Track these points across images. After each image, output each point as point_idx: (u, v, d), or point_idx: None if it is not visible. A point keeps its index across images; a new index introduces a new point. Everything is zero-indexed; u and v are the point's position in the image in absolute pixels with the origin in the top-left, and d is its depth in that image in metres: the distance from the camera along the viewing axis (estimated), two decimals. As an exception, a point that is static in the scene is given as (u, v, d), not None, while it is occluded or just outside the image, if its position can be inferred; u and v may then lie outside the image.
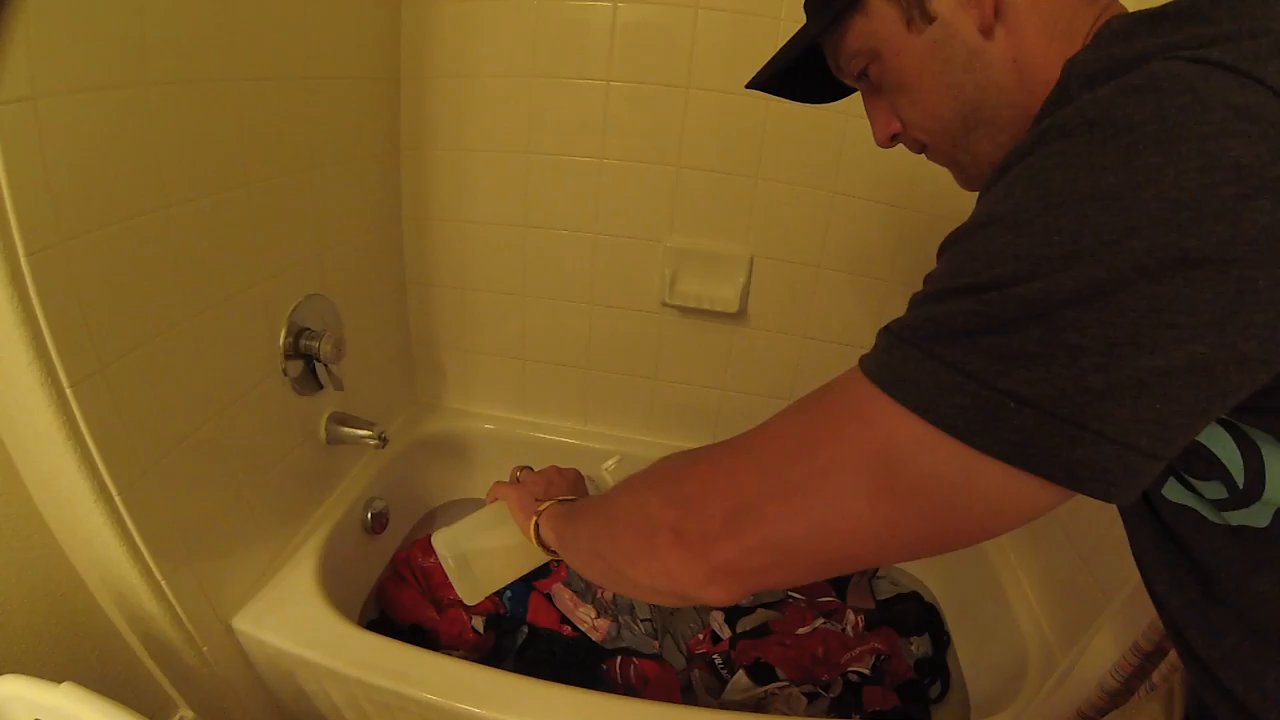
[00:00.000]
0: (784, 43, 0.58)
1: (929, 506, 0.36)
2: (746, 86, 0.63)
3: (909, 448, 0.35)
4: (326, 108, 1.09)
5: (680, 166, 1.29)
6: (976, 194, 0.56)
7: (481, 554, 0.73)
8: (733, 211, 1.31)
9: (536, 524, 0.69)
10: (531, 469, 0.79)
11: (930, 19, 0.49)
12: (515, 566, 0.74)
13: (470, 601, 0.74)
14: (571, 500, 0.70)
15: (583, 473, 0.81)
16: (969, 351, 0.33)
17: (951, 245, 0.38)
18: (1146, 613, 0.75)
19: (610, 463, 0.83)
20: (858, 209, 1.27)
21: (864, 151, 1.20)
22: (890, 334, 0.37)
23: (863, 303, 1.35)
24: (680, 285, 1.36)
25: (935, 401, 0.34)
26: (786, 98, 0.66)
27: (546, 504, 0.69)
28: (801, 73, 0.60)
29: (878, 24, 0.51)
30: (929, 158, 0.58)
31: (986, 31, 0.47)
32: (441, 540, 0.73)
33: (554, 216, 1.37)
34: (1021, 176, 0.35)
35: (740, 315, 1.38)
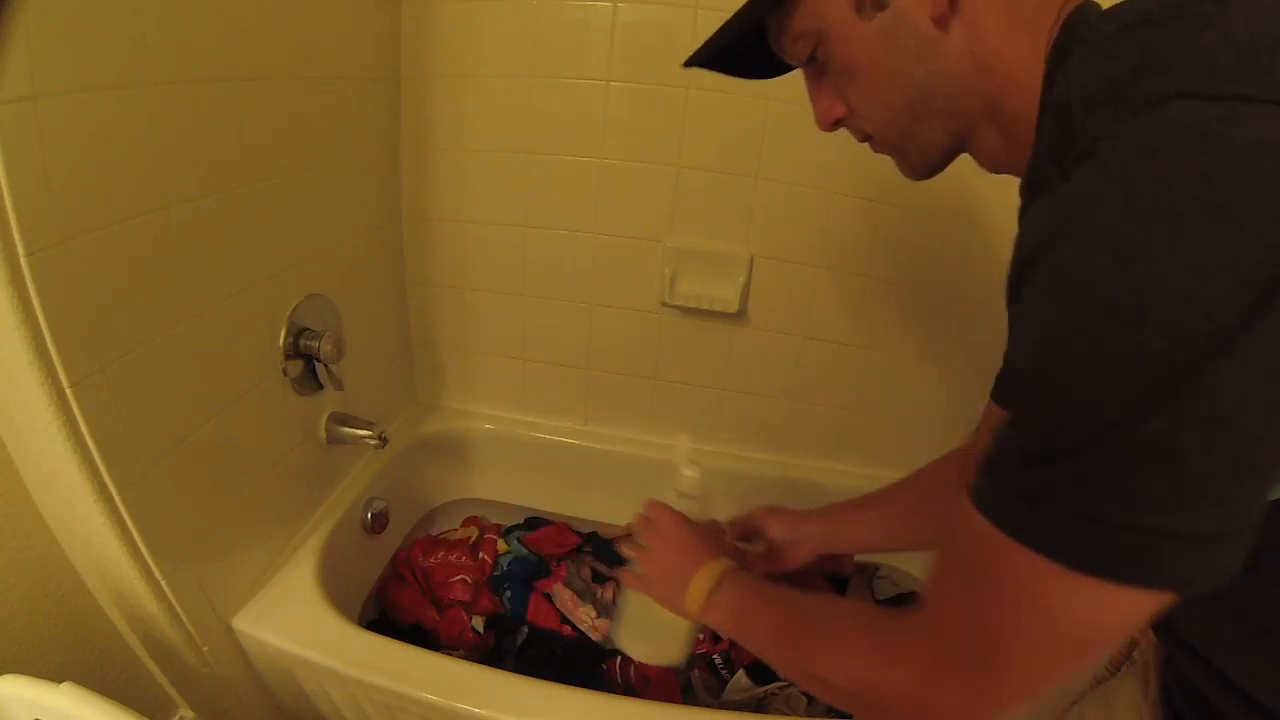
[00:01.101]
0: (726, 21, 0.56)
1: (1114, 637, 0.38)
2: (685, 65, 0.60)
3: (1084, 605, 0.36)
4: (326, 108, 1.09)
5: (680, 166, 1.29)
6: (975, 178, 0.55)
7: (659, 634, 0.75)
8: (733, 211, 1.31)
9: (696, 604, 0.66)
10: (640, 546, 0.73)
11: (882, 5, 0.47)
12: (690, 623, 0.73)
13: (677, 662, 0.76)
14: (722, 583, 0.65)
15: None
16: (1112, 502, 0.34)
17: (1029, 378, 0.37)
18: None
19: (683, 449, 0.78)
20: (858, 209, 1.27)
21: (864, 151, 1.19)
22: (1024, 497, 0.37)
23: (863, 303, 1.35)
24: (680, 285, 1.36)
25: (1094, 556, 0.35)
26: (724, 73, 0.63)
27: (697, 594, 0.65)
28: (740, 48, 0.58)
29: (827, 6, 0.50)
30: (873, 148, 0.57)
31: (940, 22, 0.46)
32: (624, 643, 0.77)
33: (554, 216, 1.37)
34: (1073, 279, 0.34)
35: (740, 315, 1.38)
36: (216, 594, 0.96)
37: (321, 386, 1.14)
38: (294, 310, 1.06)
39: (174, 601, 0.87)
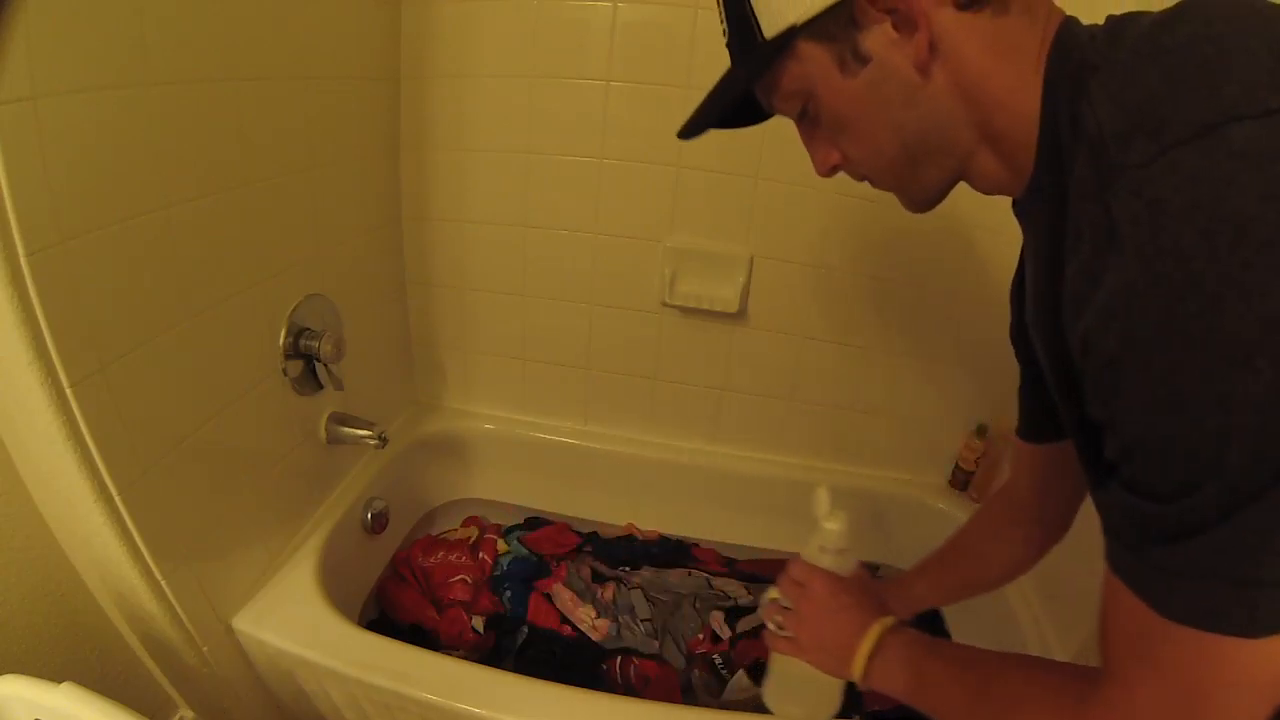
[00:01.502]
0: (713, 87, 0.57)
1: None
2: (681, 137, 0.60)
3: (1253, 665, 0.37)
4: (326, 108, 1.09)
5: (680, 166, 1.29)
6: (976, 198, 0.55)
7: (812, 695, 0.73)
8: (733, 211, 1.31)
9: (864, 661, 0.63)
10: (787, 607, 0.70)
11: (864, 60, 0.48)
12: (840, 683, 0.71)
13: (830, 716, 0.74)
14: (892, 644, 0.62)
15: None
16: (1273, 560, 0.34)
17: (1154, 444, 0.37)
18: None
19: (824, 503, 0.71)
20: (858, 209, 1.27)
21: (864, 151, 1.20)
22: (1183, 576, 0.37)
23: (862, 302, 1.35)
24: (680, 285, 1.36)
25: (1270, 617, 0.35)
26: (719, 128, 0.62)
27: (861, 660, 0.62)
28: (732, 109, 0.59)
29: (809, 67, 0.50)
30: (872, 185, 0.57)
31: (922, 68, 0.47)
32: (774, 706, 0.76)
33: (554, 216, 1.37)
34: (1173, 330, 0.34)
35: (740, 315, 1.38)
36: (216, 594, 0.96)
37: (321, 386, 1.14)
38: (294, 310, 1.06)
39: (174, 601, 0.87)
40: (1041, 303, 0.51)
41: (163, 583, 0.85)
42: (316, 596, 1.04)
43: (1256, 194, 0.32)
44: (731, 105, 0.57)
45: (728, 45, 0.55)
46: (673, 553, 1.51)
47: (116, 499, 0.77)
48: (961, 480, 1.43)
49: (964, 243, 1.26)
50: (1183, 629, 0.37)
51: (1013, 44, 0.45)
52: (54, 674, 0.67)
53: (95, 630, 0.91)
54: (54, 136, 0.64)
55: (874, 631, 0.62)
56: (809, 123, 0.55)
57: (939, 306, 1.33)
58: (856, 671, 0.62)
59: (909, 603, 0.83)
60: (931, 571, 0.83)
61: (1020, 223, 0.54)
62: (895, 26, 0.46)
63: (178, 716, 1.05)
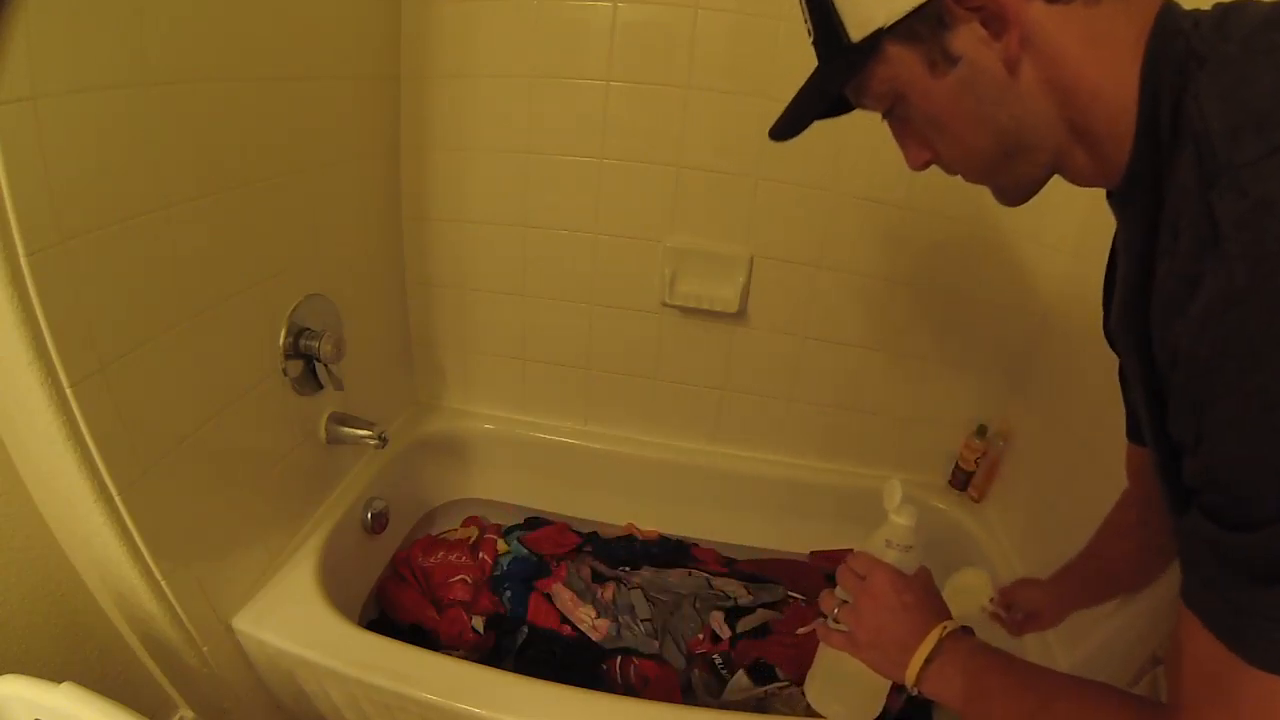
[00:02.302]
0: (801, 89, 0.56)
1: None
2: (775, 139, 0.59)
3: None
4: (326, 108, 1.09)
5: (680, 166, 1.29)
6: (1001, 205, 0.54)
7: (858, 694, 0.71)
8: (733, 211, 1.31)
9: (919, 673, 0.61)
10: (844, 600, 0.67)
11: (954, 60, 0.47)
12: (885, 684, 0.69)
13: (871, 719, 0.71)
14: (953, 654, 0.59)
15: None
16: None
17: (1248, 470, 0.35)
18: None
19: (895, 496, 0.68)
20: (858, 209, 1.27)
21: (864, 152, 1.20)
22: (1265, 618, 0.35)
23: (863, 303, 1.35)
24: (680, 285, 1.36)
25: None
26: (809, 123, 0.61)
27: (918, 663, 0.59)
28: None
29: (899, 69, 0.49)
30: (965, 179, 0.56)
31: (1013, 65, 0.46)
32: (817, 702, 0.73)
33: (554, 216, 1.37)
34: (1271, 347, 0.32)
35: (740, 315, 1.38)
36: (216, 594, 0.96)
37: (321, 386, 1.14)
38: (294, 310, 1.06)
39: (174, 601, 0.87)
40: (1131, 303, 0.49)
41: (163, 583, 0.85)
42: (316, 596, 1.04)
43: None
44: (825, 105, 0.56)
45: (813, 44, 0.54)
46: (673, 553, 1.51)
47: (116, 499, 0.77)
48: (961, 480, 1.43)
49: (964, 242, 1.26)
50: (1265, 675, 0.35)
51: (1107, 33, 0.44)
52: (54, 674, 0.67)
53: (95, 630, 0.91)
54: (54, 136, 0.64)
55: (935, 634, 0.59)
56: (899, 120, 0.55)
57: (939, 306, 1.33)
58: (911, 674, 0.59)
59: (1059, 603, 0.85)
60: (1075, 573, 0.84)
61: (1115, 215, 0.53)
62: (984, 24, 0.45)
63: (178, 716, 1.05)
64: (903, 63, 0.49)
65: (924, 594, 0.64)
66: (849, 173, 1.24)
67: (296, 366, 1.08)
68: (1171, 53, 0.41)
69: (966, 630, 0.61)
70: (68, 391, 0.70)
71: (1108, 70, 0.43)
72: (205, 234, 0.86)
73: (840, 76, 0.53)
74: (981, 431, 1.38)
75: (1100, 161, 0.48)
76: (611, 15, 1.20)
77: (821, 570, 1.46)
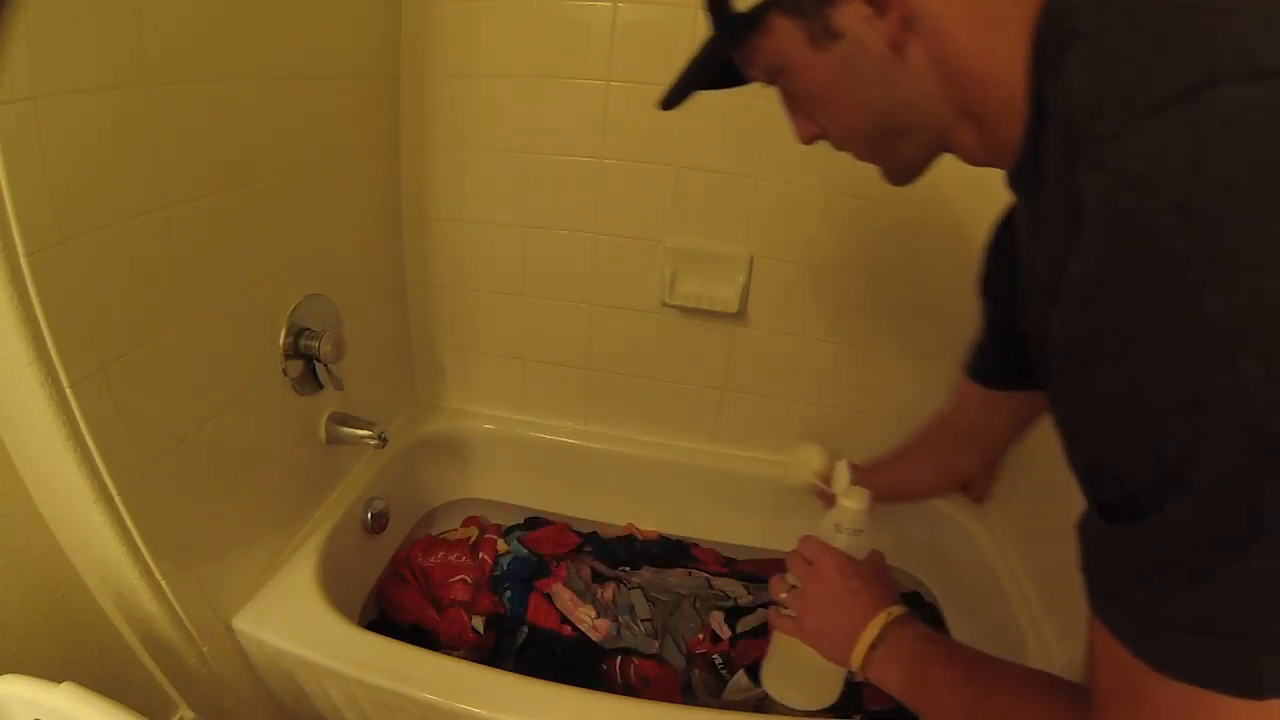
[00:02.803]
0: (692, 56, 0.57)
1: None
2: (663, 108, 0.60)
3: None
4: (326, 108, 1.09)
5: (680, 166, 1.29)
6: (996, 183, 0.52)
7: (813, 679, 0.71)
8: (733, 211, 1.31)
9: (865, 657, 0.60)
10: (794, 585, 0.66)
11: (836, 36, 0.46)
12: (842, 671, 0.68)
13: (825, 704, 0.70)
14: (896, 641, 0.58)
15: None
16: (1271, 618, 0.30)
17: (1128, 460, 0.33)
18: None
19: (844, 478, 0.70)
20: (858, 209, 1.27)
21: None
22: (1169, 628, 0.32)
23: (863, 302, 1.35)
24: (680, 285, 1.36)
25: (1264, 681, 0.31)
26: (704, 90, 0.61)
27: (863, 649, 0.59)
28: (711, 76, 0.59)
29: (781, 41, 0.49)
30: (853, 156, 0.57)
31: (897, 44, 0.44)
32: (773, 688, 0.73)
33: (554, 216, 1.37)
34: (1146, 325, 0.30)
35: (740, 315, 1.38)
36: (216, 594, 0.96)
37: (321, 386, 1.14)
38: (294, 310, 1.06)
39: (174, 601, 0.87)
40: (1025, 288, 0.49)
41: (163, 583, 0.85)
42: (316, 596, 1.04)
43: (1243, 164, 0.27)
44: (710, 75, 0.56)
45: (706, 10, 0.54)
46: (673, 553, 1.51)
47: (116, 499, 0.77)
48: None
49: (964, 242, 1.26)
50: (1175, 683, 0.33)
51: (995, 14, 0.42)
52: (54, 674, 0.67)
53: (95, 630, 0.91)
54: (54, 136, 0.64)
55: (879, 620, 0.59)
56: (786, 94, 0.55)
57: (939, 306, 1.33)
58: (856, 660, 0.59)
59: (887, 483, 0.90)
60: (884, 470, 0.92)
61: (1014, 194, 0.52)
62: (868, 2, 0.44)
63: (178, 716, 1.05)
64: (786, 36, 0.48)
65: (872, 579, 0.63)
66: (849, 172, 1.24)
67: (296, 366, 1.08)
68: (1058, 32, 0.39)
69: (912, 616, 0.60)
70: (68, 391, 0.70)
71: (996, 51, 0.42)
72: (205, 234, 0.86)
73: (725, 47, 0.53)
74: (981, 431, 1.38)
75: (992, 143, 0.46)
76: (611, 15, 1.20)
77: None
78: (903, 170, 0.54)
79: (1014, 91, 0.41)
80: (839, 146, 0.56)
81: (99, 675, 0.92)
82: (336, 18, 1.08)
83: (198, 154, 0.83)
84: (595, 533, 1.56)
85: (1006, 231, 0.62)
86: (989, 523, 1.36)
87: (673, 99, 0.59)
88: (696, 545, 1.55)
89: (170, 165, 0.79)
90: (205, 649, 0.93)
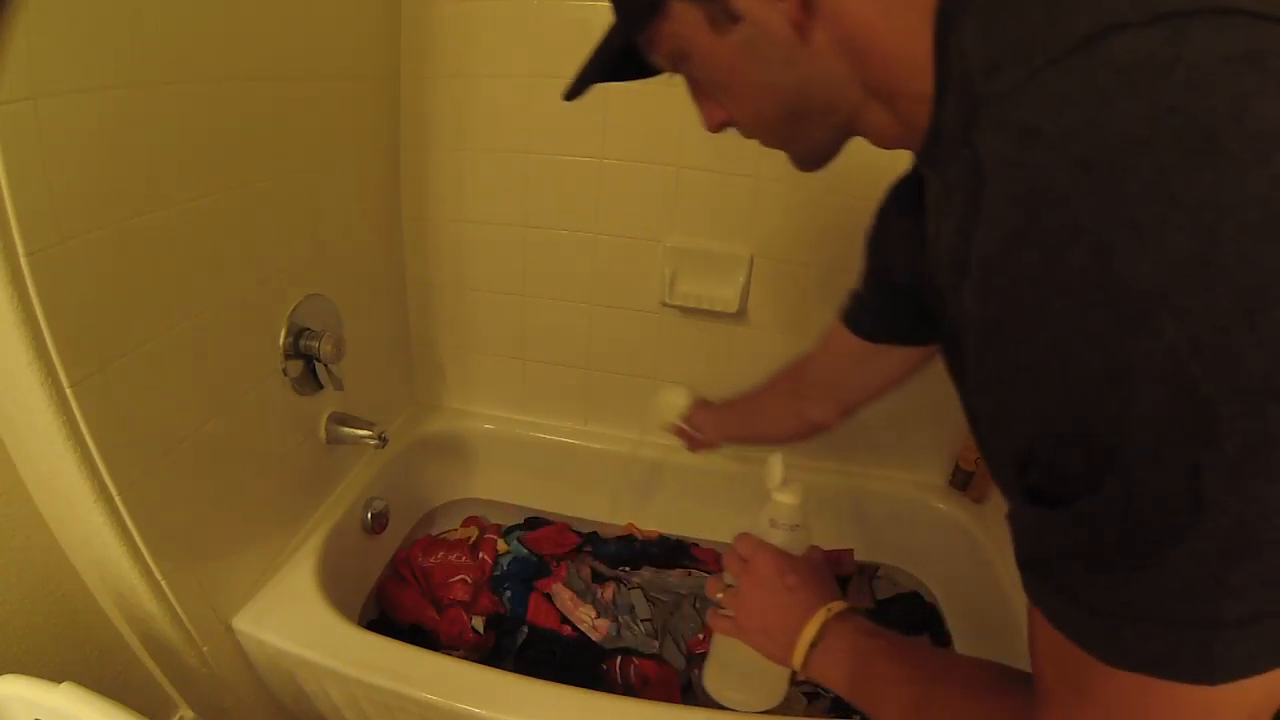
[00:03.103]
0: (596, 45, 0.55)
1: None
2: (565, 99, 0.58)
3: (1214, 710, 0.31)
4: (326, 108, 1.09)
5: (680, 166, 1.29)
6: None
7: (755, 680, 0.69)
8: (733, 211, 1.31)
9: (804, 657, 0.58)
10: (730, 585, 0.64)
11: (736, 18, 0.45)
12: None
13: (769, 705, 0.69)
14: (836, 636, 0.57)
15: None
16: (1214, 600, 0.28)
17: (1048, 437, 0.31)
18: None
19: (777, 473, 0.66)
20: (858, 209, 1.26)
21: (865, 152, 1.19)
22: (1107, 614, 0.31)
23: (863, 303, 1.35)
24: (680, 285, 1.36)
25: (1208, 661, 0.29)
26: (614, 81, 0.59)
27: (803, 647, 0.57)
28: (617, 64, 0.57)
29: (680, 26, 0.47)
30: (761, 144, 0.56)
31: (799, 26, 0.43)
32: (714, 691, 0.71)
33: (554, 216, 1.37)
34: (1055, 290, 0.28)
35: (740, 315, 1.38)
36: (216, 594, 0.96)
37: (321, 386, 1.14)
38: (294, 310, 1.06)
39: (174, 601, 0.87)
40: (933, 262, 0.47)
41: (163, 583, 0.85)
42: (316, 596, 1.04)
43: (1145, 113, 0.26)
44: (613, 63, 0.54)
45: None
46: (673, 553, 1.51)
47: (116, 499, 0.77)
48: (961, 480, 1.43)
49: (964, 243, 1.26)
50: (1123, 674, 0.31)
51: None
52: (54, 674, 0.67)
53: (95, 630, 0.91)
54: (54, 136, 0.64)
55: (819, 617, 0.57)
56: (690, 80, 0.54)
57: (939, 306, 1.33)
58: (797, 659, 0.57)
59: (718, 429, 0.98)
60: (738, 409, 0.95)
61: (926, 176, 0.51)
62: None
63: (178, 716, 1.05)
64: (686, 20, 0.47)
65: (809, 575, 0.61)
66: (849, 173, 1.24)
67: (296, 366, 1.08)
68: (960, 4, 0.37)
69: (854, 612, 0.58)
70: (68, 391, 0.70)
71: (900, 27, 0.40)
72: (205, 234, 0.86)
73: (626, 33, 0.51)
74: (981, 431, 1.38)
75: (902, 123, 0.45)
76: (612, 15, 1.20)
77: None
78: (812, 155, 0.54)
79: (919, 66, 0.40)
80: (747, 133, 0.55)
81: (99, 675, 0.92)
82: (336, 18, 1.08)
83: (198, 154, 0.83)
84: (595, 533, 1.56)
85: (908, 190, 0.62)
86: (989, 523, 1.36)
87: (575, 90, 0.57)
88: (696, 545, 1.55)
89: (170, 165, 0.79)
90: (205, 649, 0.93)
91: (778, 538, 0.64)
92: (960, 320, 0.35)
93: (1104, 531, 0.29)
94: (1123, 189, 0.26)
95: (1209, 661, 0.29)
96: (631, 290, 1.40)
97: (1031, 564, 0.35)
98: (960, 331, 0.36)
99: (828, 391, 0.84)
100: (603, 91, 1.41)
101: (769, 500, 0.65)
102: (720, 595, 0.65)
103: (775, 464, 0.65)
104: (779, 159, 1.40)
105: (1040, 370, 0.29)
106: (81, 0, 0.66)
